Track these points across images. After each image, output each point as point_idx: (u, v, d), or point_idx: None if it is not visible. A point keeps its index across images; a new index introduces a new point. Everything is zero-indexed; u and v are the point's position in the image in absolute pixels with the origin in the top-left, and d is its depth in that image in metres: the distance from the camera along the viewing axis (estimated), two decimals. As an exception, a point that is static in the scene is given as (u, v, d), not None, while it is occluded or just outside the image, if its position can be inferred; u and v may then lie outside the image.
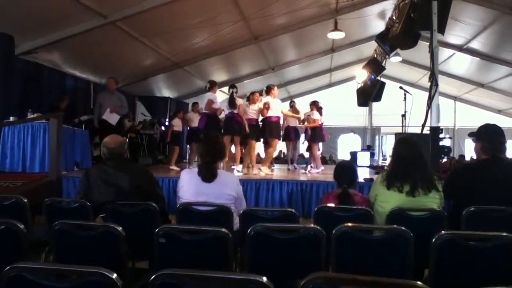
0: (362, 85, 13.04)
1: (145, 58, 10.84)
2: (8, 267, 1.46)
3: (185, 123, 10.42)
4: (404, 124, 8.37)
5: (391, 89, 12.10)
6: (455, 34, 11.59)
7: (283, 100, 18.61)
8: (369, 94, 12.25)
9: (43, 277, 1.48)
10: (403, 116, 8.39)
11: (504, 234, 2.12)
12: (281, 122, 8.87)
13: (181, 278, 1.41)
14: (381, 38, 9.89)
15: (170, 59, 11.19)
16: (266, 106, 7.87)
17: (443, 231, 2.19)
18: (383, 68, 11.62)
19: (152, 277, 1.42)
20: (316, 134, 9.03)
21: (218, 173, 3.29)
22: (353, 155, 13.74)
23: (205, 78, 13.79)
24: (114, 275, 1.42)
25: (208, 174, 3.24)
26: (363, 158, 13.20)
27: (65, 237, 2.38)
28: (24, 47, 8.27)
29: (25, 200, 3.24)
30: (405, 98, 8.43)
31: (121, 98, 8.55)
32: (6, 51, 7.59)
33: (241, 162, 8.50)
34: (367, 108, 17.18)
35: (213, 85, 8.22)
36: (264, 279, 1.35)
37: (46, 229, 3.24)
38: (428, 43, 6.51)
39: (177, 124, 10.35)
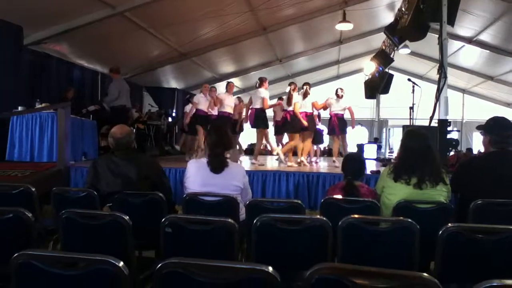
0: (370, 77, 12.97)
1: (153, 49, 10.86)
2: (16, 254, 1.47)
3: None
4: (411, 117, 8.32)
5: (399, 81, 12.03)
6: (465, 26, 11.49)
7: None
8: (377, 86, 12.20)
9: (50, 264, 1.49)
10: (411, 108, 8.34)
11: (511, 227, 2.11)
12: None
13: (188, 267, 1.42)
14: (389, 29, 9.81)
15: (177, 50, 11.19)
16: None
17: (449, 224, 2.18)
18: (392, 60, 11.53)
19: (159, 266, 1.43)
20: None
21: (227, 164, 3.29)
22: (360, 147, 13.69)
23: (213, 69, 13.83)
24: (121, 263, 1.43)
25: (219, 165, 3.24)
26: (370, 151, 13.15)
27: (72, 226, 2.40)
28: (33, 38, 8.31)
29: (33, 189, 3.26)
30: (413, 90, 8.37)
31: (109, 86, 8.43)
32: (15, 42, 7.63)
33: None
34: (375, 100, 17.10)
35: (263, 81, 8.21)
36: (270, 269, 1.36)
37: (54, 218, 3.26)
38: (437, 35, 6.45)
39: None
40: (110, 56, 10.49)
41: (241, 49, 12.40)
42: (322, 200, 3.08)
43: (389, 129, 19.51)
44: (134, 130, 9.77)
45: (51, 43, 8.70)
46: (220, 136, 3.35)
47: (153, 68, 12.18)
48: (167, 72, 13.06)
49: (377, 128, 19.34)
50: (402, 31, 8.22)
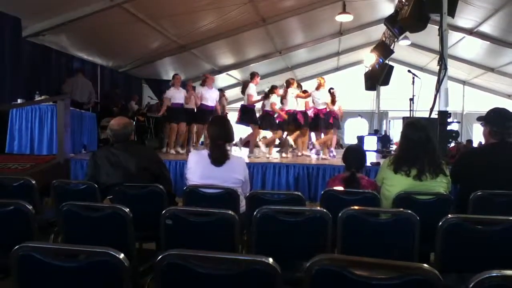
0: (370, 68, 12.94)
1: (152, 41, 10.80)
2: (17, 247, 1.48)
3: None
4: (412, 108, 8.30)
5: (399, 73, 11.99)
6: (465, 17, 11.41)
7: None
8: (377, 78, 12.17)
9: (51, 256, 1.50)
10: (411, 100, 8.33)
11: (511, 218, 2.11)
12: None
13: (188, 259, 1.42)
14: (390, 21, 9.77)
15: (177, 42, 11.14)
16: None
17: (449, 215, 2.18)
18: (392, 52, 11.48)
19: (159, 257, 1.43)
20: None
21: (229, 156, 3.27)
22: (360, 139, 13.71)
23: (212, 61, 13.78)
24: (122, 255, 1.44)
25: (221, 158, 3.21)
26: (370, 142, 13.17)
27: (73, 218, 2.40)
28: (31, 29, 8.26)
29: (33, 182, 3.27)
30: (413, 82, 8.35)
31: None
32: (14, 34, 7.60)
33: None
34: (375, 92, 17.06)
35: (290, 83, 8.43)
36: (270, 260, 1.36)
37: (55, 211, 3.27)
38: (437, 26, 6.42)
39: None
40: (109, 48, 10.47)
41: (240, 41, 12.34)
42: (322, 192, 3.09)
43: (389, 120, 19.48)
44: (134, 122, 9.74)
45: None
46: (222, 127, 3.33)
47: (152, 60, 12.13)
48: (166, 64, 13.01)
49: (377, 120, 19.31)
50: (402, 22, 8.19)
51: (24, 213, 2.27)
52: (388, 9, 11.71)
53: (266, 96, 8.08)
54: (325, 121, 8.13)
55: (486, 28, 12.06)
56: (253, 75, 8.10)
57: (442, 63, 6.18)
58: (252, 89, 7.90)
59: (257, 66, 14.60)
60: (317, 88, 8.19)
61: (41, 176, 5.05)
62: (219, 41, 11.77)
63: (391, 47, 11.48)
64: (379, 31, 12.97)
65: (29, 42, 8.40)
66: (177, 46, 11.46)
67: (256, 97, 7.97)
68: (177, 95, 8.58)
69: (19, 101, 6.90)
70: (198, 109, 8.74)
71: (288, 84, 8.35)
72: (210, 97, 8.73)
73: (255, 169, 6.22)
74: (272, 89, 8.10)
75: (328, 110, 8.18)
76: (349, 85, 17.13)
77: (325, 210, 2.31)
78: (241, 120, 8.05)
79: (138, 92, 13.55)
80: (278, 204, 2.86)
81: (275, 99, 7.98)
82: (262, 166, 6.31)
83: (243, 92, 8.11)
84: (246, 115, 7.98)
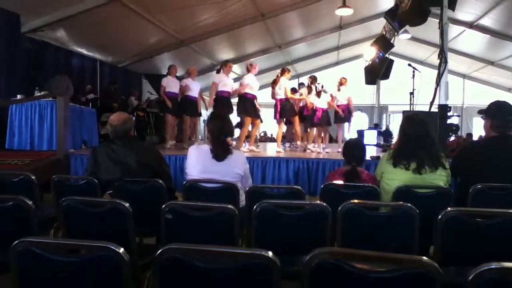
0: (370, 62, 12.90)
1: (151, 36, 10.79)
2: (16, 241, 1.47)
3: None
4: (412, 102, 8.29)
5: (399, 66, 11.96)
6: (466, 10, 11.39)
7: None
8: (377, 72, 12.11)
9: (51, 251, 1.50)
10: (411, 94, 8.31)
11: (511, 211, 2.11)
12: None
13: (188, 253, 1.42)
14: (390, 14, 9.72)
15: (176, 37, 11.13)
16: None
17: (449, 208, 2.18)
18: (392, 46, 11.43)
19: (159, 252, 1.43)
20: None
21: (231, 151, 3.28)
22: (360, 133, 13.70)
23: (211, 56, 13.77)
24: (122, 250, 1.44)
25: (224, 153, 3.23)
26: (370, 137, 13.16)
27: (73, 214, 2.40)
28: (30, 25, 8.25)
29: (33, 177, 3.27)
30: (413, 75, 8.33)
31: None
32: (12, 29, 7.58)
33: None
34: (375, 86, 17.04)
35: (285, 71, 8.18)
36: (270, 253, 1.36)
37: (55, 206, 3.27)
38: (438, 20, 6.39)
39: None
40: (108, 43, 10.45)
41: (240, 35, 12.33)
42: (322, 186, 3.08)
43: (389, 115, 19.49)
44: (134, 117, 9.72)
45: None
46: (223, 122, 3.34)
47: (152, 55, 12.12)
48: (165, 59, 12.97)
49: (377, 114, 19.31)
50: (402, 16, 8.17)
51: (24, 208, 2.27)
52: (388, 3, 11.67)
53: (318, 94, 8.50)
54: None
55: (486, 21, 12.04)
56: (283, 70, 8.06)
57: (442, 56, 6.16)
58: (287, 82, 7.95)
59: (256, 61, 14.56)
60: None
61: (41, 171, 5.05)
62: (218, 36, 11.77)
63: (391, 41, 11.42)
64: (379, 25, 12.94)
65: (28, 38, 8.39)
66: (176, 41, 11.46)
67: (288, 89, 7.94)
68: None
69: (18, 97, 6.88)
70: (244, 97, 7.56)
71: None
72: (256, 85, 7.62)
73: (255, 163, 6.21)
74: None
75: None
76: (349, 79, 17.07)
77: (324, 204, 2.31)
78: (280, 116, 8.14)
79: (138, 87, 13.54)
80: (278, 198, 2.86)
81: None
82: (262, 160, 6.30)
83: (273, 86, 8.14)
84: (284, 110, 7.99)
